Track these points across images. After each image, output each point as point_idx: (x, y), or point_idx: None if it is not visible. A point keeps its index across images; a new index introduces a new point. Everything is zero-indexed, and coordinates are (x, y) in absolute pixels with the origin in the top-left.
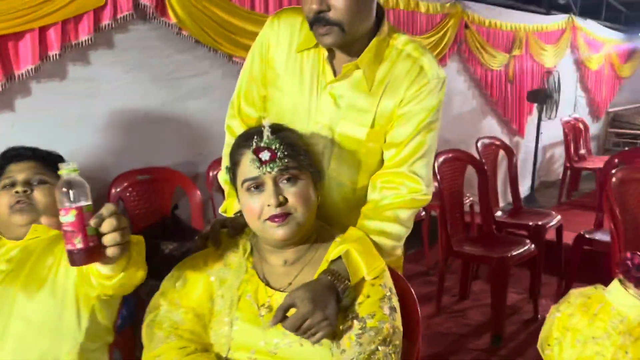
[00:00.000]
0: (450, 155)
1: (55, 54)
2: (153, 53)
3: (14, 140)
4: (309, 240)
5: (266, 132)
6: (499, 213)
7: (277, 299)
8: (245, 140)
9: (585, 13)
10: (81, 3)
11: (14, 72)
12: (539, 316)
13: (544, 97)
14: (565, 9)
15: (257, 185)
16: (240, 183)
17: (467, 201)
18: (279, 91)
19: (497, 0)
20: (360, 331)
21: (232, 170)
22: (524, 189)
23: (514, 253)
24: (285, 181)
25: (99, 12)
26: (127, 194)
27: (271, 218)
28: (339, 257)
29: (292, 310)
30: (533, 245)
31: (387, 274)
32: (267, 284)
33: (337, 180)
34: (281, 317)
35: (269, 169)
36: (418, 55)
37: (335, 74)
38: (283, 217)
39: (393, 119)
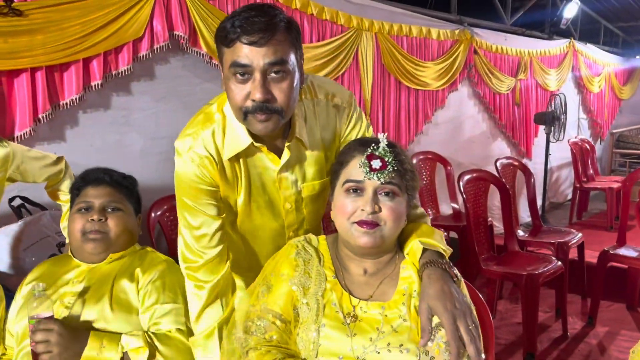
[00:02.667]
0: (474, 175)
1: (98, 84)
2: (183, 82)
3: None
4: (389, 255)
5: (383, 143)
6: (519, 232)
7: (363, 307)
8: (360, 145)
9: (584, 37)
10: (121, 35)
11: (59, 101)
12: (569, 334)
13: (551, 119)
14: (566, 34)
15: (357, 189)
16: (341, 182)
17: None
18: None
19: (503, 27)
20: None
21: (336, 168)
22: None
23: (543, 270)
24: (384, 194)
25: (137, 43)
26: (165, 219)
27: (360, 222)
28: (424, 250)
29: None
30: (560, 262)
31: (464, 285)
32: (351, 293)
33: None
34: (430, 333)
35: (375, 177)
36: (325, 97)
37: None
38: (372, 225)
39: (337, 144)
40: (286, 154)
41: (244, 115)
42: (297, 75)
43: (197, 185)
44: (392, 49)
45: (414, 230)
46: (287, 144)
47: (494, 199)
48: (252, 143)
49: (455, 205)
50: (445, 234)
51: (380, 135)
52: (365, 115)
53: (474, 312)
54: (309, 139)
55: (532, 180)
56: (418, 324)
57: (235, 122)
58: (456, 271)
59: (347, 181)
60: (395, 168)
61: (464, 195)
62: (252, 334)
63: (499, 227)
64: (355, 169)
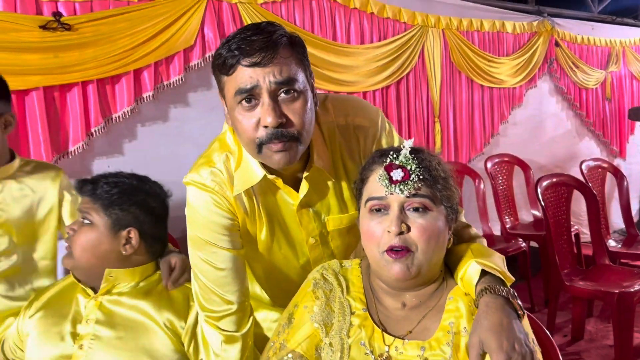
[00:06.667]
0: (554, 179)
1: (149, 95)
2: None
3: None
4: (434, 285)
5: (405, 150)
6: (611, 242)
7: (398, 347)
8: (379, 156)
9: None
10: (172, 45)
11: (112, 114)
12: None
13: None
14: None
15: (381, 208)
16: (364, 202)
17: (572, 230)
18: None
19: (589, 15)
20: None
21: (359, 187)
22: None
23: (639, 287)
24: (412, 210)
25: (188, 52)
26: None
27: (389, 250)
28: (482, 274)
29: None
30: None
31: (527, 322)
32: (384, 330)
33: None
34: None
35: (397, 190)
36: (344, 118)
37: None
38: (402, 252)
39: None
40: (304, 187)
41: (258, 147)
42: (309, 95)
43: (214, 217)
44: (462, 46)
45: (467, 250)
46: (305, 174)
47: (581, 203)
48: (265, 176)
49: (536, 213)
50: (524, 244)
51: (406, 142)
52: (434, 116)
53: (539, 357)
54: (331, 167)
55: (625, 183)
56: None
57: (249, 155)
58: (520, 303)
59: (368, 199)
60: (421, 177)
61: (543, 203)
62: None
63: (587, 234)
64: (375, 184)
